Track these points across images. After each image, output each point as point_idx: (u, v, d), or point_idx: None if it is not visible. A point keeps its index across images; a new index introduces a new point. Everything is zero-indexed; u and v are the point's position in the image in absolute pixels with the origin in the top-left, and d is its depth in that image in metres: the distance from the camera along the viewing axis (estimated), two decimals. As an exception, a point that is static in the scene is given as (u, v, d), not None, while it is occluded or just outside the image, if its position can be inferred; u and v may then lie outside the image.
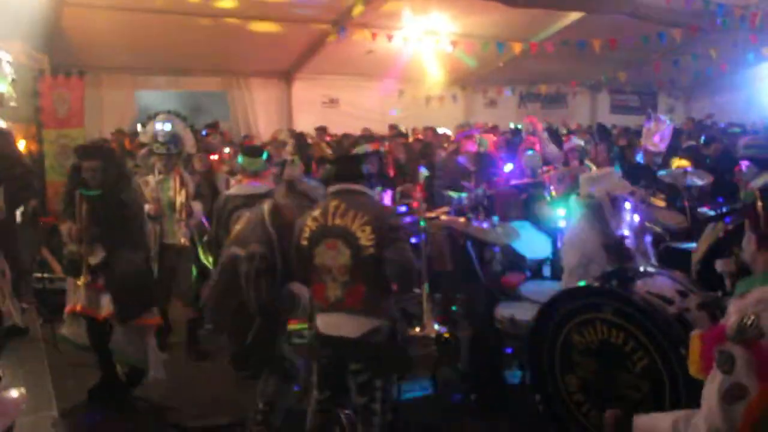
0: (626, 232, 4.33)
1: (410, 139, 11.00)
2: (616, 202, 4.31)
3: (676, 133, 11.37)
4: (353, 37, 11.26)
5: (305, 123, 13.04)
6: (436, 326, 4.13)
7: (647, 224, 4.91)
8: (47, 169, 8.78)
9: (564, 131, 12.36)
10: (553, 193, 6.30)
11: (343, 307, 3.63)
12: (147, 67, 11.91)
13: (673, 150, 8.38)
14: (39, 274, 7.04)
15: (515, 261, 5.69)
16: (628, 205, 4.38)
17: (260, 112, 13.21)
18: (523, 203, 6.67)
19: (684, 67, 14.02)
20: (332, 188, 3.84)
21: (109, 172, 5.02)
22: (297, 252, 3.84)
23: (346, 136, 10.85)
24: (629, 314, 3.56)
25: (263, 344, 4.35)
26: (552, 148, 8.04)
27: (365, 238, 3.54)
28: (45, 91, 8.98)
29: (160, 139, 6.07)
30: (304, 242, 3.74)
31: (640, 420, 2.53)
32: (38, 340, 6.18)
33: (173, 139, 6.13)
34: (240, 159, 5.96)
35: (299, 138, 10.04)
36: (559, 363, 3.92)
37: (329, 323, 3.72)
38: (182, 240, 6.12)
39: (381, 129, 12.72)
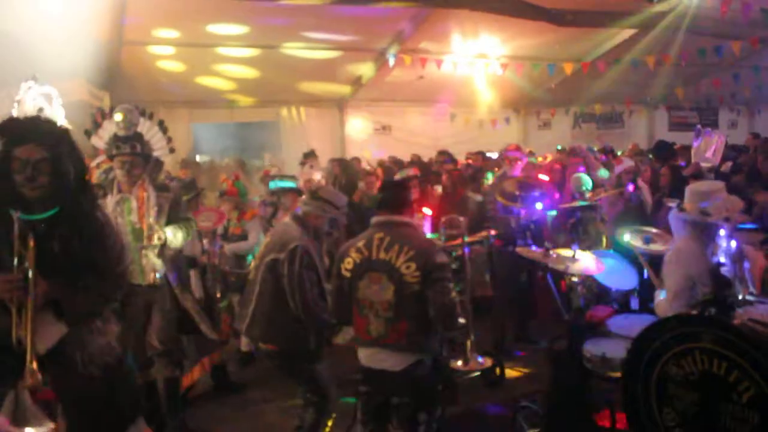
0: (722, 259, 4.16)
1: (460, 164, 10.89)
2: (714, 228, 4.12)
3: (739, 149, 11.01)
4: (402, 64, 11.30)
5: (358, 150, 13.12)
6: (480, 359, 4.04)
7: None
8: (103, 202, 9.03)
9: (619, 152, 12.06)
10: (605, 216, 6.13)
11: (386, 342, 3.61)
12: (202, 100, 12.20)
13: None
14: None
15: (599, 294, 5.49)
16: (722, 232, 4.20)
17: (313, 141, 13.36)
18: (572, 227, 6.51)
19: (745, 81, 13.58)
20: (376, 219, 3.81)
21: (63, 171, 2.85)
22: (338, 283, 3.83)
23: (395, 162, 10.81)
24: (732, 342, 3.37)
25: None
26: (601, 171, 7.88)
27: (410, 275, 3.51)
28: (103, 127, 9.27)
29: (122, 133, 4.64)
30: (347, 273, 3.72)
31: None
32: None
33: (138, 137, 4.73)
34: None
35: (344, 164, 10.06)
36: (655, 396, 3.73)
37: (372, 357, 3.70)
38: (151, 276, 4.66)
39: (434, 154, 12.68)
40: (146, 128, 4.87)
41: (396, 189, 3.97)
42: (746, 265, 4.52)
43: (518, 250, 5.38)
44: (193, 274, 5.69)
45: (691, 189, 4.28)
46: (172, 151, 5.18)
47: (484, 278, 6.79)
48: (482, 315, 6.79)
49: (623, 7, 10.34)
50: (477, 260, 7.00)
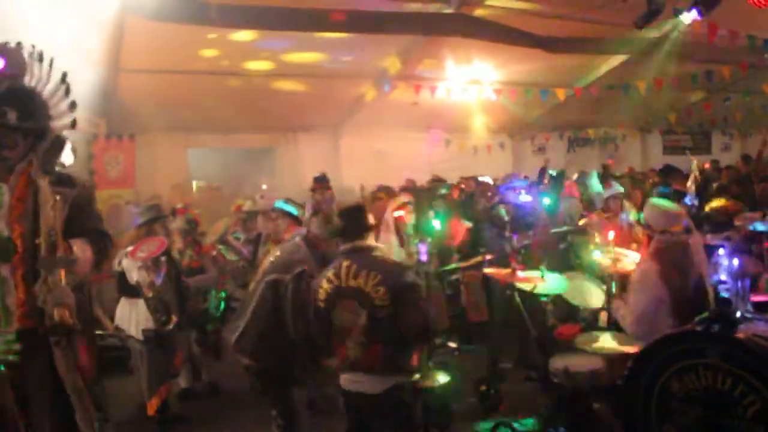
0: (723, 277, 4.19)
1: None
2: (708, 248, 4.14)
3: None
4: (397, 91, 11.43)
5: (354, 177, 13.17)
6: (440, 378, 4.06)
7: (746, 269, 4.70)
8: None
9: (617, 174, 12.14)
10: (597, 239, 6.16)
11: (363, 366, 3.65)
12: (198, 126, 12.28)
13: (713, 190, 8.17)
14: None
15: (569, 312, 5.54)
16: (722, 251, 4.23)
17: (308, 168, 13.42)
18: (563, 251, 6.54)
19: (736, 105, 13.73)
20: (343, 247, 3.86)
21: None
22: (315, 313, 3.87)
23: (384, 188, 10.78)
24: (738, 358, 3.41)
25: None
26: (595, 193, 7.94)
27: (379, 298, 3.56)
28: (98, 154, 9.36)
29: None
30: (321, 303, 3.78)
31: None
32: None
33: (18, 95, 3.02)
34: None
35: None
36: (655, 413, 3.74)
37: (351, 380, 3.74)
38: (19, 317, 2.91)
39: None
40: (39, 80, 3.11)
41: (354, 214, 3.95)
42: (746, 283, 4.54)
43: (485, 270, 5.42)
44: (139, 303, 5.44)
45: (658, 210, 4.32)
46: (73, 125, 3.19)
47: (480, 303, 6.82)
48: (478, 340, 6.80)
49: (614, 34, 10.49)
50: (472, 285, 7.05)
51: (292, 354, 4.25)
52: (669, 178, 8.91)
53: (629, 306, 4.32)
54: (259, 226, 6.99)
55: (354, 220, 3.90)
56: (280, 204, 6.27)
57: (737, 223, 5.94)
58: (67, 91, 3.18)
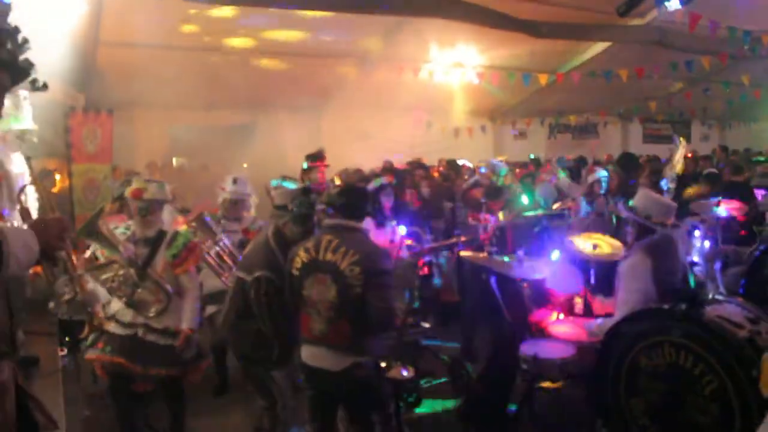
0: (696, 258, 4.21)
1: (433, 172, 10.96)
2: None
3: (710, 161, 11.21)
4: (379, 72, 11.39)
5: (336, 157, 13.10)
6: (404, 372, 4.04)
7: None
8: (75, 203, 9.00)
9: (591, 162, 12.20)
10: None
11: (326, 341, 3.66)
12: (179, 102, 12.15)
13: (694, 177, 8.25)
14: (64, 304, 6.93)
15: (545, 297, 5.57)
16: (698, 233, 4.26)
17: (290, 147, 13.35)
18: (538, 235, 6.57)
19: (716, 95, 13.84)
20: (328, 221, 3.86)
21: None
22: (289, 280, 3.87)
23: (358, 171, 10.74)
24: (699, 337, 3.51)
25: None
26: (564, 180, 7.94)
27: (353, 277, 3.55)
28: (75, 127, 9.24)
29: None
30: (295, 272, 3.78)
31: None
32: (55, 371, 4.54)
33: None
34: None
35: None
36: (624, 386, 3.84)
37: (313, 355, 3.74)
38: None
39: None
40: None
41: (355, 197, 3.92)
42: (717, 265, 4.60)
43: (461, 253, 5.44)
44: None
45: (650, 199, 4.29)
46: (44, 87, 2.57)
47: (452, 284, 6.87)
48: (450, 320, 6.85)
49: (597, 21, 10.51)
50: (446, 266, 7.10)
51: (265, 340, 4.23)
52: (626, 168, 8.82)
53: (617, 297, 4.28)
54: (165, 222, 4.83)
55: (352, 201, 3.85)
56: (278, 183, 5.97)
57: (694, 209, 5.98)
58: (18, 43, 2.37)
